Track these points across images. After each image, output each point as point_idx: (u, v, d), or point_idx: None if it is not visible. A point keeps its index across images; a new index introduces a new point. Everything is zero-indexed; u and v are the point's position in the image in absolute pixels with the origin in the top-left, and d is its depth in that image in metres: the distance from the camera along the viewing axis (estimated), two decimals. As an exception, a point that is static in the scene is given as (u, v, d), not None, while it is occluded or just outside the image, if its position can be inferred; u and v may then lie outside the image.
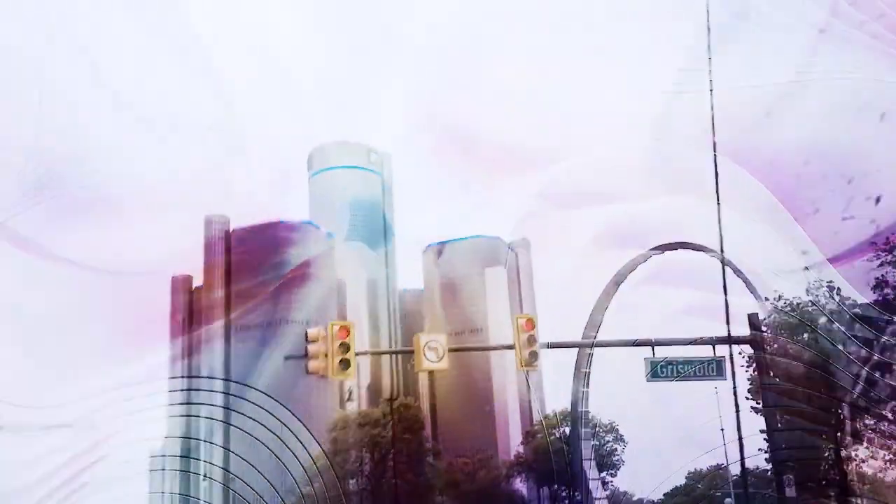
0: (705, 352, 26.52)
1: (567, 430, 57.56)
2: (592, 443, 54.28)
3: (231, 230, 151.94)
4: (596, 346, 35.31)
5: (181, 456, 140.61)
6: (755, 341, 26.87)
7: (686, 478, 66.59)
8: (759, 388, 30.48)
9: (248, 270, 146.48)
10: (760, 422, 30.87)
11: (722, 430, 47.38)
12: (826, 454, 30.83)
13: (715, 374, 26.52)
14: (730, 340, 22.69)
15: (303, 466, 78.04)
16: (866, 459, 32.63)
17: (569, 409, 51.47)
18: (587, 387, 47.65)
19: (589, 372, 46.73)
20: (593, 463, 50.96)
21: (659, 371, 26.79)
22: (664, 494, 63.93)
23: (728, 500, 50.96)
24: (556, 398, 77.48)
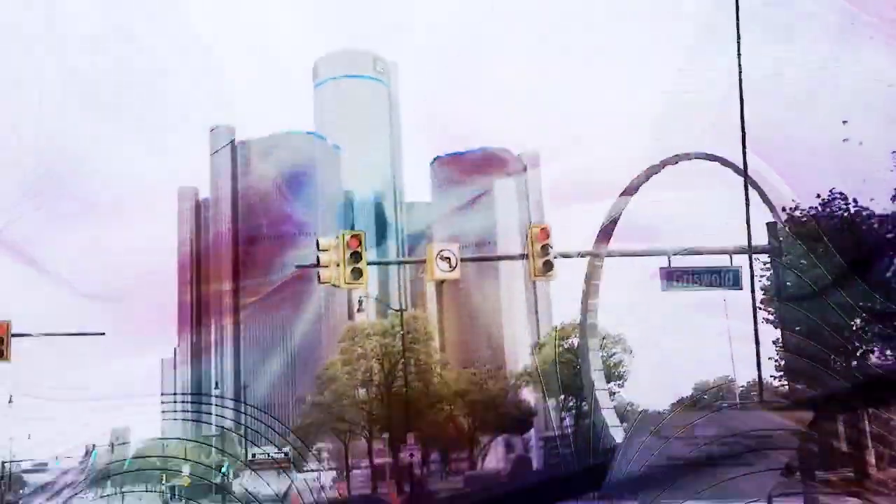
0: (722, 261, 26.33)
1: (575, 341, 57.78)
2: (600, 354, 54.50)
3: (237, 141, 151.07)
4: (611, 256, 34.97)
5: (192, 358, 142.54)
6: (773, 251, 26.58)
7: (693, 389, 67.37)
8: (772, 299, 30.32)
9: (255, 182, 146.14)
10: (771, 333, 30.87)
11: (730, 339, 47.53)
12: (837, 364, 30.81)
13: (731, 283, 26.33)
14: (750, 250, 22.34)
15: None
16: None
17: (577, 321, 51.53)
18: (596, 298, 47.53)
19: (598, 283, 46.55)
20: (601, 374, 51.20)
21: (675, 280, 26.61)
22: (670, 405, 64.64)
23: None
24: (564, 310, 77.85)
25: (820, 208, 33.27)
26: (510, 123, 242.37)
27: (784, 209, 31.95)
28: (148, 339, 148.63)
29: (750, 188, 28.11)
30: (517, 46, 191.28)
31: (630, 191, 41.39)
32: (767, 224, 27.26)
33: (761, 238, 26.90)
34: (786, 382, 32.35)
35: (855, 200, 32.96)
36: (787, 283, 28.31)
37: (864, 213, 32.97)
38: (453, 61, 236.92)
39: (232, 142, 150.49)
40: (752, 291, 23.51)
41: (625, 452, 6.41)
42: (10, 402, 66.06)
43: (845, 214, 32.76)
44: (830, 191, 33.47)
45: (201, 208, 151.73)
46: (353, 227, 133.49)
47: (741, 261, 26.51)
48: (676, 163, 38.83)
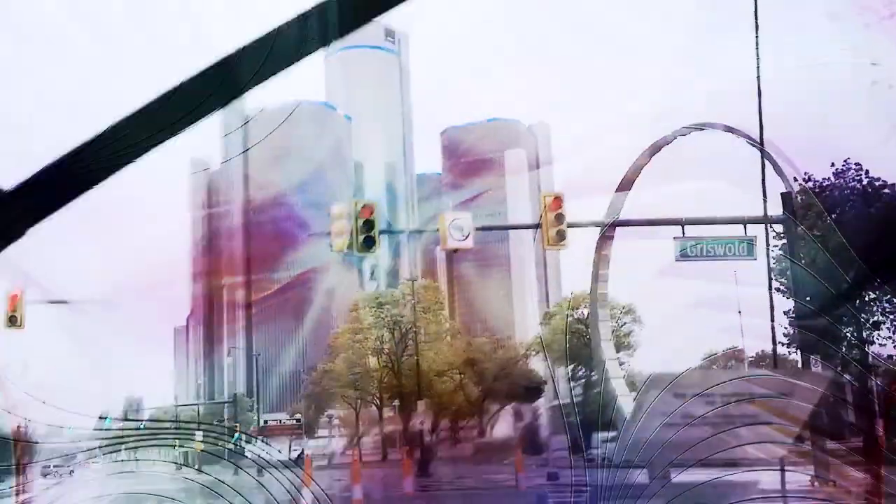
0: (736, 231, 26.30)
1: (585, 311, 57.94)
2: (610, 324, 54.59)
3: (247, 111, 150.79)
4: (624, 225, 34.98)
5: (204, 325, 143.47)
6: (787, 221, 26.55)
7: (702, 359, 67.46)
8: (784, 269, 30.36)
9: (266, 153, 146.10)
10: (782, 303, 30.91)
11: (739, 312, 47.50)
12: (848, 335, 30.92)
13: (746, 254, 26.30)
14: (766, 220, 22.35)
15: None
16: (885, 344, 32.76)
17: (587, 291, 51.61)
18: (607, 268, 47.51)
19: (609, 254, 46.52)
20: (611, 343, 51.31)
21: (688, 251, 26.60)
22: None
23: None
24: (574, 280, 78.02)
25: (833, 178, 33.22)
26: (521, 94, 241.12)
27: (795, 179, 31.90)
28: (160, 307, 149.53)
29: (765, 160, 28.07)
30: (528, 18, 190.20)
31: (641, 161, 41.24)
32: (782, 194, 27.23)
33: (776, 209, 26.88)
34: (797, 353, 32.50)
35: (867, 172, 32.91)
36: (801, 255, 28.34)
37: (878, 184, 32.92)
38: (464, 32, 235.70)
39: (242, 111, 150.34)
40: (769, 264, 23.57)
41: (637, 411, 6.49)
42: (23, 368, 66.75)
43: (859, 185, 32.72)
44: (845, 161, 33.40)
45: (212, 179, 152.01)
46: (363, 198, 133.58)
47: (755, 231, 26.48)
48: (688, 134, 38.65)
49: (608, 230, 41.72)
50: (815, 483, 16.02)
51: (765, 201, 18.16)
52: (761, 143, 20.12)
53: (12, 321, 29.83)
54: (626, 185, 41.01)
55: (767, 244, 24.82)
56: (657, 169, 39.79)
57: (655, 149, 41.02)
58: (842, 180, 33.50)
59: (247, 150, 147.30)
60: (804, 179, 33.18)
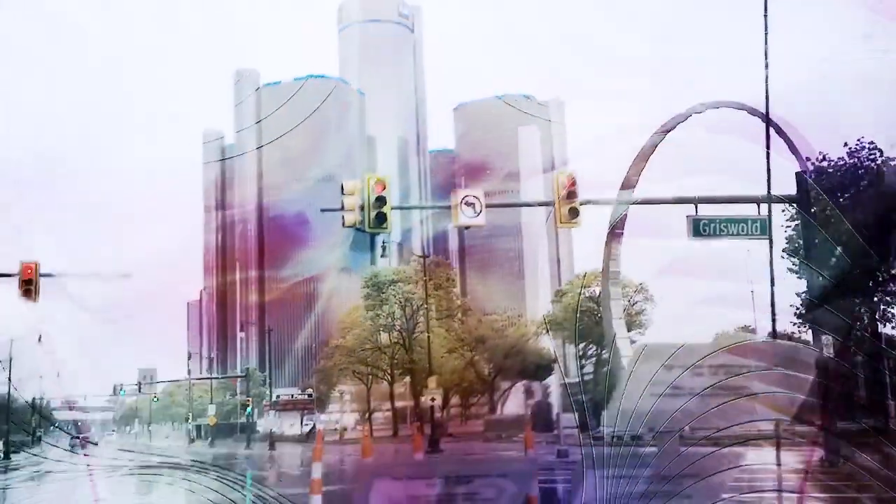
0: (749, 210, 26.22)
1: (597, 289, 57.87)
2: (622, 302, 54.50)
3: (261, 85, 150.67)
4: (638, 204, 34.84)
5: (218, 300, 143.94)
6: (802, 200, 26.42)
7: (713, 338, 67.33)
8: (797, 249, 30.24)
9: (280, 126, 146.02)
10: (794, 284, 30.78)
11: (752, 291, 47.36)
12: (862, 315, 30.79)
13: (759, 232, 26.21)
14: (769, 199, 22.23)
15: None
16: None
17: (599, 269, 51.52)
18: (619, 246, 47.39)
19: (622, 231, 46.39)
20: (622, 322, 51.27)
21: (701, 229, 26.54)
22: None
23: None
24: (586, 258, 77.90)
25: (847, 157, 32.92)
26: (535, 71, 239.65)
27: (808, 159, 31.66)
28: (174, 281, 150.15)
29: (778, 138, 27.88)
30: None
31: (655, 140, 41.04)
32: (796, 174, 27.07)
33: (790, 189, 26.73)
34: (808, 332, 32.41)
35: (880, 151, 32.61)
36: (814, 235, 28.18)
37: (893, 163, 32.62)
38: (478, 6, 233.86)
39: (256, 86, 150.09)
40: (770, 241, 23.47)
41: (630, 384, 6.47)
42: (39, 340, 67.27)
43: (873, 165, 32.43)
44: (859, 140, 33.08)
45: (226, 153, 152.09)
46: (375, 173, 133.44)
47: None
48: (703, 111, 38.40)
49: (622, 208, 41.63)
50: (827, 463, 16.03)
51: (769, 180, 18.03)
52: (767, 118, 19.98)
53: (27, 293, 29.86)
54: (640, 161, 40.87)
55: (770, 214, 24.64)
56: (671, 147, 39.60)
57: (670, 126, 40.82)
58: (856, 159, 33.21)
59: (259, 121, 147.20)
60: (818, 159, 32.91)
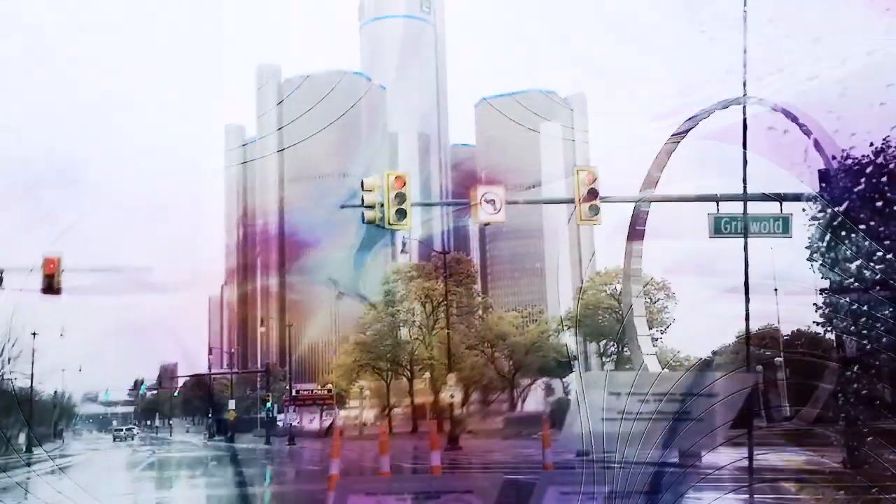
0: (772, 208, 25.94)
1: (618, 287, 57.61)
2: (644, 300, 54.19)
3: (283, 80, 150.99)
4: (660, 201, 34.56)
5: (239, 296, 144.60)
6: (824, 199, 26.03)
7: (736, 336, 66.82)
8: (819, 248, 29.89)
9: (301, 122, 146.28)
10: (815, 282, 30.40)
11: (775, 290, 46.77)
12: (888, 314, 30.37)
13: (781, 231, 25.94)
14: (779, 198, 21.98)
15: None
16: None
17: (621, 266, 51.25)
18: (641, 243, 47.07)
19: (644, 229, 46.06)
20: (643, 320, 50.95)
21: (722, 227, 26.30)
22: (712, 352, 64.32)
23: (778, 358, 50.93)
24: (608, 256, 77.52)
25: (872, 156, 32.48)
26: (557, 66, 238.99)
27: (834, 157, 31.24)
28: (195, 277, 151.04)
29: (804, 135, 27.51)
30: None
31: (678, 137, 40.67)
32: (819, 171, 26.74)
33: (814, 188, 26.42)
34: (831, 333, 31.98)
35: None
36: (839, 234, 27.83)
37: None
38: (499, 1, 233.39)
39: (278, 81, 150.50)
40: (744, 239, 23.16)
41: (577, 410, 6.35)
42: (61, 335, 67.97)
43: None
44: (884, 139, 32.64)
45: (247, 149, 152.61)
46: (396, 169, 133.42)
47: (791, 208, 26.06)
48: (726, 107, 37.99)
49: (643, 206, 41.30)
50: (848, 466, 15.82)
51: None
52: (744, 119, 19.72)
53: (49, 288, 29.83)
54: (663, 158, 40.49)
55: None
56: (692, 147, 39.18)
57: (695, 122, 40.44)
58: (882, 158, 32.79)
59: (281, 126, 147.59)
60: (843, 157, 32.49)
